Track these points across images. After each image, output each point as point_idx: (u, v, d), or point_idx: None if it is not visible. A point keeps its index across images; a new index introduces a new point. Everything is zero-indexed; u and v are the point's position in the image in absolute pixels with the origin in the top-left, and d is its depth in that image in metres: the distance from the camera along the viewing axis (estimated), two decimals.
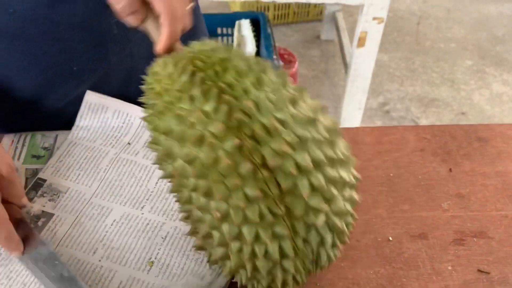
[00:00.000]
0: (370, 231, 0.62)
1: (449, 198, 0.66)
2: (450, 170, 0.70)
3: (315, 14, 2.60)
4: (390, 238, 0.61)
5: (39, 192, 0.65)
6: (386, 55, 2.47)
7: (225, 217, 0.42)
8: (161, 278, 0.56)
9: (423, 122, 2.13)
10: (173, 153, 0.43)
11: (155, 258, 0.58)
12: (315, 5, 2.55)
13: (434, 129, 0.76)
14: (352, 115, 1.92)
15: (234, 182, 0.40)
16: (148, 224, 0.61)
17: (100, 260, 0.58)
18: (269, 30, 1.84)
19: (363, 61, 1.74)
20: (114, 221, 0.61)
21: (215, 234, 0.44)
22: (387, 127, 0.76)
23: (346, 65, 1.95)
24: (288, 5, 2.51)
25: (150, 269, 0.57)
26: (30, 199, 0.64)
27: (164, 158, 0.45)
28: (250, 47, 1.84)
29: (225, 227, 0.42)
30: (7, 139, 0.72)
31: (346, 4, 1.60)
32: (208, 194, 0.42)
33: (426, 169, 0.70)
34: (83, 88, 0.74)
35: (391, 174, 0.69)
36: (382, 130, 0.75)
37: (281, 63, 2.20)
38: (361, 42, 1.68)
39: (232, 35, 1.99)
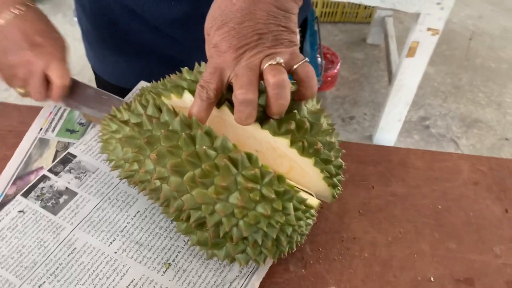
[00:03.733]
0: (410, 268, 0.56)
1: (502, 243, 0.59)
2: (506, 211, 0.63)
3: (364, 17, 2.51)
4: (432, 279, 0.55)
5: (67, 167, 0.62)
6: (433, 68, 2.36)
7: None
8: (176, 283, 0.52)
9: (463, 142, 2.03)
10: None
11: (173, 261, 0.54)
12: (365, 7, 2.45)
13: (491, 162, 0.69)
14: (390, 126, 1.84)
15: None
16: (172, 223, 0.57)
17: (115, 252, 0.54)
18: (316, 27, 1.77)
19: (410, 72, 1.65)
20: (137, 212, 0.58)
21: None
22: (440, 153, 0.69)
23: (390, 73, 1.87)
24: (337, 4, 2.42)
25: (166, 271, 0.53)
26: (57, 173, 0.62)
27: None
28: None
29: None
30: (46, 110, 0.70)
31: (401, 10, 1.51)
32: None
33: (479, 206, 0.63)
34: None
35: (440, 206, 0.63)
36: (435, 155, 0.69)
37: (323, 62, 2.13)
38: (411, 52, 1.59)
39: None
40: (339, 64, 2.15)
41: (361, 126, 2.06)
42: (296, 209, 0.47)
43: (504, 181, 0.66)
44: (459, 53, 2.48)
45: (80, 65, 1.78)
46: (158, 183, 0.48)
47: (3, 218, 0.57)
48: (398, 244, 0.58)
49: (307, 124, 0.48)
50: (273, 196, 0.45)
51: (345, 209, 0.61)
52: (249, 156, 0.46)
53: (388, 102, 1.76)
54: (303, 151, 0.48)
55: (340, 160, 0.52)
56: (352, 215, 0.61)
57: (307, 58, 0.48)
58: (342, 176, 0.53)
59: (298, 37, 0.50)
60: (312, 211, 0.49)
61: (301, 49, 1.83)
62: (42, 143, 0.66)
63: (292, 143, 0.48)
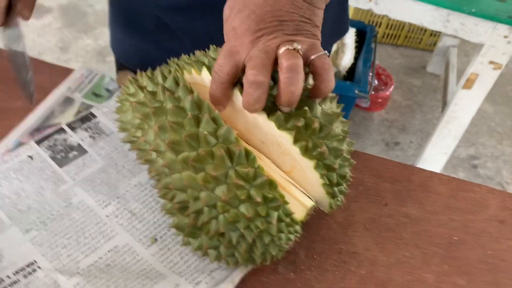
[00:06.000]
0: None
1: None
2: None
3: (428, 44, 2.42)
4: None
5: (84, 126, 0.63)
6: (493, 106, 2.24)
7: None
8: (157, 259, 0.51)
9: (511, 189, 1.90)
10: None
11: (160, 237, 0.53)
12: (431, 34, 2.37)
13: None
14: (435, 158, 1.75)
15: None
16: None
17: (107, 216, 0.54)
18: (372, 45, 1.73)
19: (464, 105, 1.57)
20: (138, 183, 0.57)
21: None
22: (467, 182, 0.64)
23: (445, 104, 1.79)
24: (401, 27, 2.35)
25: (150, 245, 0.52)
26: (73, 129, 0.63)
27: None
28: (348, 56, 1.74)
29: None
30: (79, 72, 0.72)
31: (464, 39, 1.44)
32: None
33: (500, 246, 0.58)
34: None
35: (455, 238, 0.58)
36: (461, 184, 0.64)
37: (376, 82, 2.08)
38: (469, 84, 1.51)
39: None
40: (392, 87, 2.08)
41: (405, 154, 1.98)
42: (280, 220, 0.44)
43: None
44: None
45: None
46: (154, 155, 0.47)
47: (12, 159, 0.58)
48: (399, 268, 0.54)
49: (316, 125, 0.46)
50: (259, 200, 0.43)
51: (351, 221, 0.58)
52: (248, 154, 0.44)
53: (436, 132, 1.68)
54: (306, 152, 0.46)
55: (346, 170, 0.49)
56: (356, 229, 0.57)
57: (326, 51, 0.46)
58: (346, 187, 0.50)
59: (320, 33, 0.48)
60: (297, 227, 0.46)
61: (354, 64, 1.80)
62: (67, 102, 0.67)
63: (296, 141, 0.45)
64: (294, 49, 0.44)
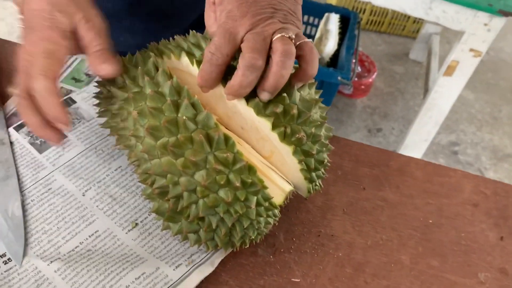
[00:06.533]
0: (384, 277, 0.53)
1: (489, 270, 0.55)
2: (502, 238, 0.59)
3: (411, 31, 2.44)
4: None
5: None
6: (473, 94, 2.27)
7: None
8: (137, 243, 0.51)
9: (490, 175, 1.94)
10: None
11: (141, 222, 0.53)
12: (414, 21, 2.38)
13: (497, 186, 0.65)
14: (416, 145, 1.77)
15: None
16: None
17: (90, 200, 0.54)
18: (356, 32, 1.73)
19: (445, 92, 1.59)
20: (119, 167, 0.57)
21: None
22: (443, 167, 0.65)
23: (426, 91, 1.81)
24: (385, 14, 2.36)
25: (131, 229, 0.52)
26: None
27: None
28: (331, 43, 1.75)
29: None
30: None
31: (446, 26, 1.46)
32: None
33: (473, 229, 0.59)
34: None
35: (430, 221, 0.59)
36: (437, 168, 0.65)
37: (359, 69, 2.09)
38: (449, 71, 1.53)
39: (317, 26, 1.90)
40: (375, 74, 2.09)
41: (386, 140, 2.01)
42: (258, 204, 0.45)
43: (506, 208, 0.62)
44: (504, 84, 2.38)
45: None
46: (133, 140, 0.47)
47: None
48: (376, 250, 0.55)
49: (295, 111, 0.46)
50: (238, 184, 0.43)
51: (330, 205, 0.59)
52: (227, 139, 0.44)
53: (418, 119, 1.70)
54: (284, 137, 0.46)
55: (324, 155, 0.50)
56: (335, 213, 0.58)
57: (310, 40, 0.47)
58: (324, 172, 0.51)
59: (301, 29, 0.50)
60: (276, 211, 0.47)
61: (338, 51, 1.80)
62: None
63: (274, 127, 0.46)
64: (289, 36, 0.45)
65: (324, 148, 0.49)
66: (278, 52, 0.44)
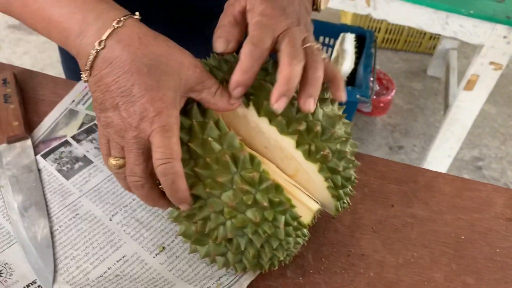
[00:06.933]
0: None
1: None
2: None
3: (427, 48, 2.43)
4: None
5: (90, 137, 0.64)
6: (495, 107, 2.24)
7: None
8: (165, 267, 0.51)
9: None
10: None
11: (168, 245, 0.53)
12: (430, 37, 2.38)
13: None
14: (439, 161, 1.75)
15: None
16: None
17: (117, 224, 0.54)
18: (372, 50, 1.74)
19: (466, 107, 1.57)
20: None
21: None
22: (472, 181, 0.64)
23: (447, 107, 1.79)
24: (400, 31, 2.36)
25: (158, 253, 0.52)
26: (79, 141, 0.63)
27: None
28: (348, 62, 1.75)
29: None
30: (82, 84, 0.72)
31: (464, 40, 1.45)
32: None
33: (508, 244, 0.57)
34: None
35: (462, 237, 0.58)
36: (466, 183, 0.64)
37: (377, 87, 2.08)
38: (470, 85, 1.51)
39: (333, 46, 1.91)
40: (393, 91, 2.08)
41: (408, 157, 1.98)
42: (287, 224, 0.44)
43: None
44: None
45: None
46: None
47: None
48: (408, 269, 0.54)
49: (318, 128, 0.46)
50: (266, 204, 0.43)
51: (358, 223, 0.58)
52: (252, 158, 0.44)
53: (440, 135, 1.68)
54: (309, 155, 0.46)
55: (351, 172, 0.49)
56: (364, 231, 0.57)
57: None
58: (351, 189, 0.50)
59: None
60: (305, 231, 0.46)
61: (355, 70, 1.80)
62: (71, 114, 0.67)
63: (298, 145, 0.46)
64: (317, 47, 0.47)
65: (351, 165, 0.49)
66: (310, 57, 0.45)
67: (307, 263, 0.53)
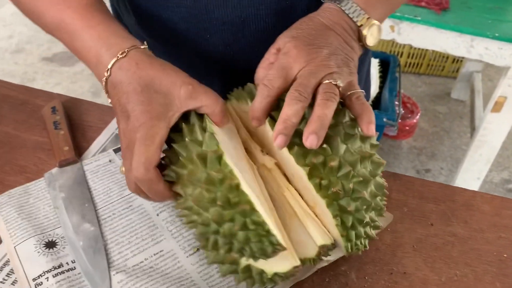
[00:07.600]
0: None
1: None
2: None
3: (451, 71, 2.43)
4: None
5: None
6: None
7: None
8: (195, 268, 0.54)
9: None
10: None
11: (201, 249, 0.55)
12: (453, 61, 2.39)
13: None
14: (467, 183, 1.73)
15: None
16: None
17: (162, 221, 0.58)
18: (397, 74, 1.76)
19: (494, 129, 1.56)
20: None
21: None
22: (511, 200, 0.64)
23: (473, 129, 1.78)
24: (423, 55, 2.38)
25: (192, 254, 0.55)
26: None
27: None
28: (373, 86, 1.77)
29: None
30: None
31: (490, 63, 1.46)
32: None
33: None
34: None
35: (505, 255, 0.58)
36: (505, 202, 0.64)
37: (402, 110, 2.09)
38: (497, 107, 1.51)
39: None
40: (418, 114, 2.09)
41: (437, 180, 1.96)
42: (245, 227, 0.44)
43: None
44: None
45: None
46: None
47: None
48: (452, 287, 0.54)
49: (333, 163, 0.45)
50: (221, 203, 0.44)
51: (399, 242, 0.59)
52: (219, 158, 0.45)
53: (468, 158, 1.67)
54: (320, 189, 0.45)
55: (365, 215, 0.47)
56: (405, 250, 0.58)
57: (362, 90, 0.49)
58: (369, 233, 0.48)
59: (356, 77, 0.51)
60: (274, 239, 0.44)
61: (380, 94, 1.82)
62: (118, 138, 0.71)
63: (310, 177, 0.46)
64: (336, 84, 0.47)
65: (371, 208, 0.47)
66: (321, 94, 0.46)
67: (350, 281, 0.54)
